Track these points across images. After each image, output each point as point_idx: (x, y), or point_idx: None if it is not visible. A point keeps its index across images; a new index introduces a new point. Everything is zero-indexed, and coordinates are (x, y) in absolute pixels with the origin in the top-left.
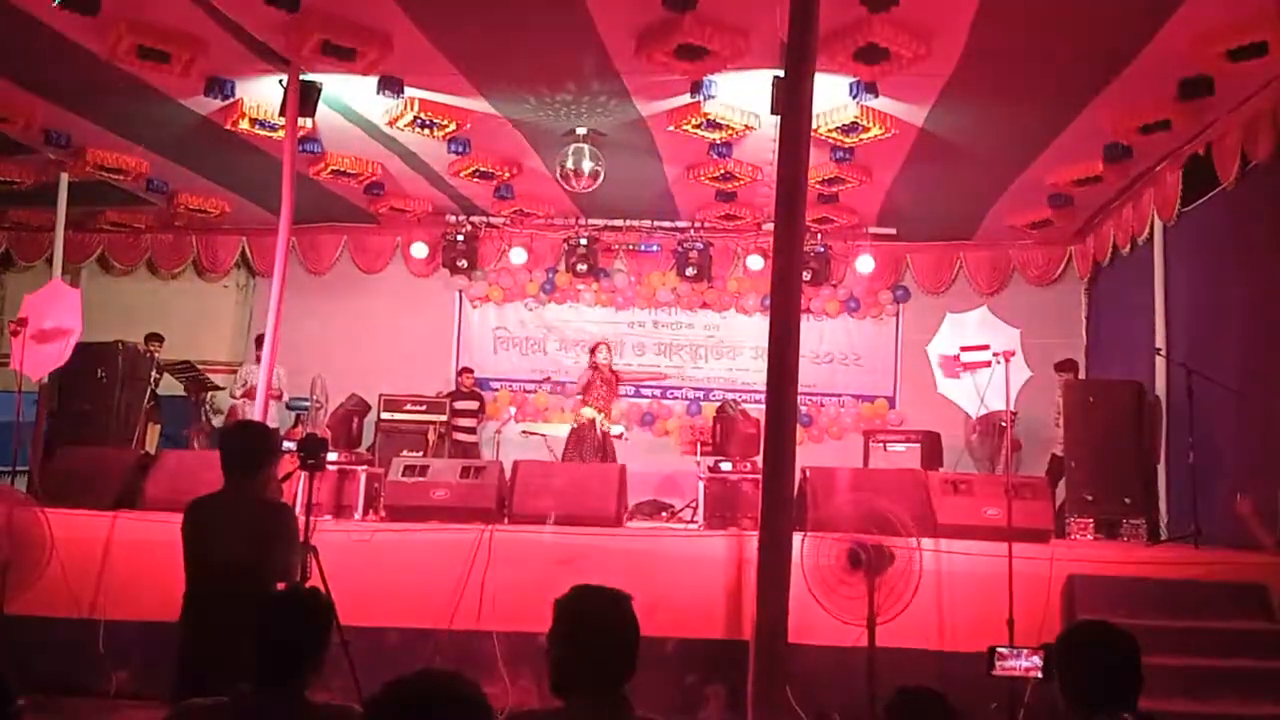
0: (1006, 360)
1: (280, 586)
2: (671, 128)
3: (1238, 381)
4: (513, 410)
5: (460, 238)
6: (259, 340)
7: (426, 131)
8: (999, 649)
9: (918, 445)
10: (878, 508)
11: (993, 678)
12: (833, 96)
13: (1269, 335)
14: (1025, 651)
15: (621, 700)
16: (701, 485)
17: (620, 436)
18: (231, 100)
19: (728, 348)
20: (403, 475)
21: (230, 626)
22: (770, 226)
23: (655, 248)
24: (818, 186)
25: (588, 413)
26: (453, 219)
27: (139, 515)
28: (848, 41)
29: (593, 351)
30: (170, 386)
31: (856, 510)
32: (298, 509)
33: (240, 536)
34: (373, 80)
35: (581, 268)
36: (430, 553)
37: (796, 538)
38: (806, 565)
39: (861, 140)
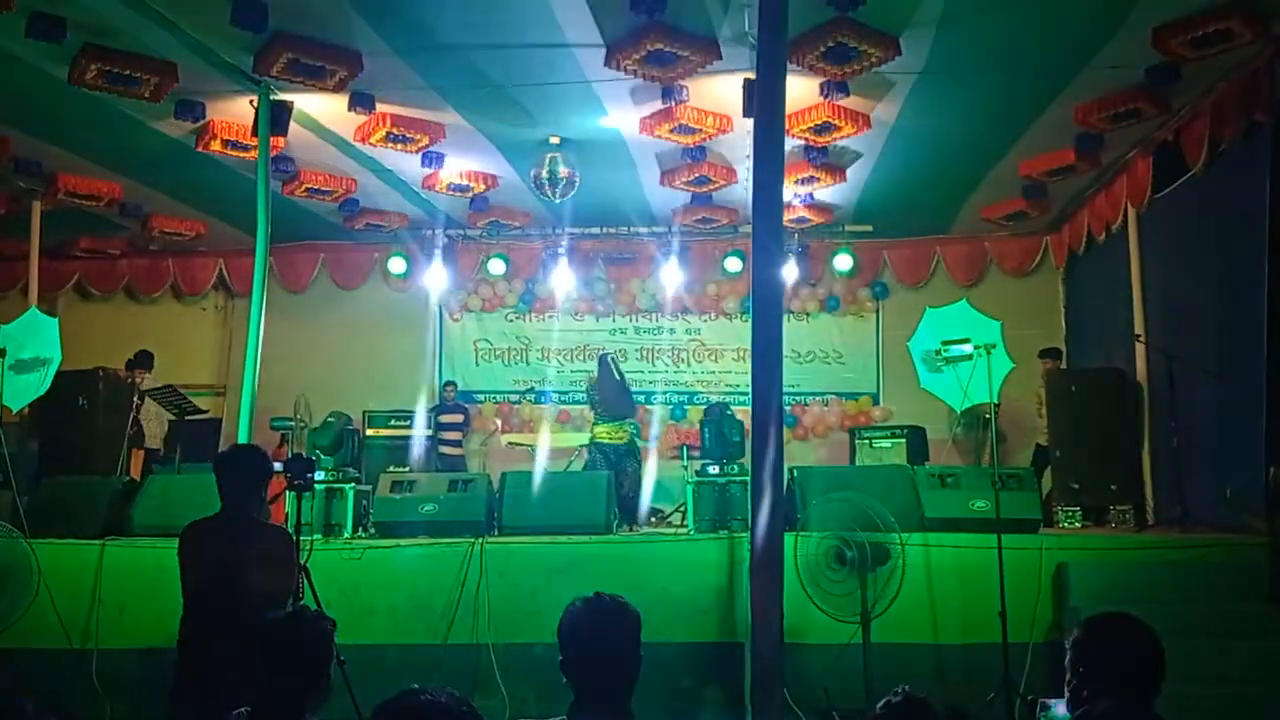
0: (988, 353)
1: (283, 610)
2: (644, 134)
3: (1217, 364)
4: (498, 422)
5: (438, 251)
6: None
7: (399, 146)
8: (1042, 701)
9: (903, 440)
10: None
11: (987, 669)
12: (804, 96)
13: (1245, 317)
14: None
15: (624, 711)
16: (690, 489)
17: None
18: (202, 122)
19: (710, 351)
20: (390, 491)
21: (229, 651)
22: (748, 228)
23: (633, 255)
24: (793, 187)
25: (606, 426)
26: (429, 232)
27: (128, 543)
28: (817, 42)
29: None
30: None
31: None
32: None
33: (239, 560)
34: (344, 97)
35: (560, 277)
36: (422, 568)
37: (788, 538)
38: (799, 565)
39: (834, 139)
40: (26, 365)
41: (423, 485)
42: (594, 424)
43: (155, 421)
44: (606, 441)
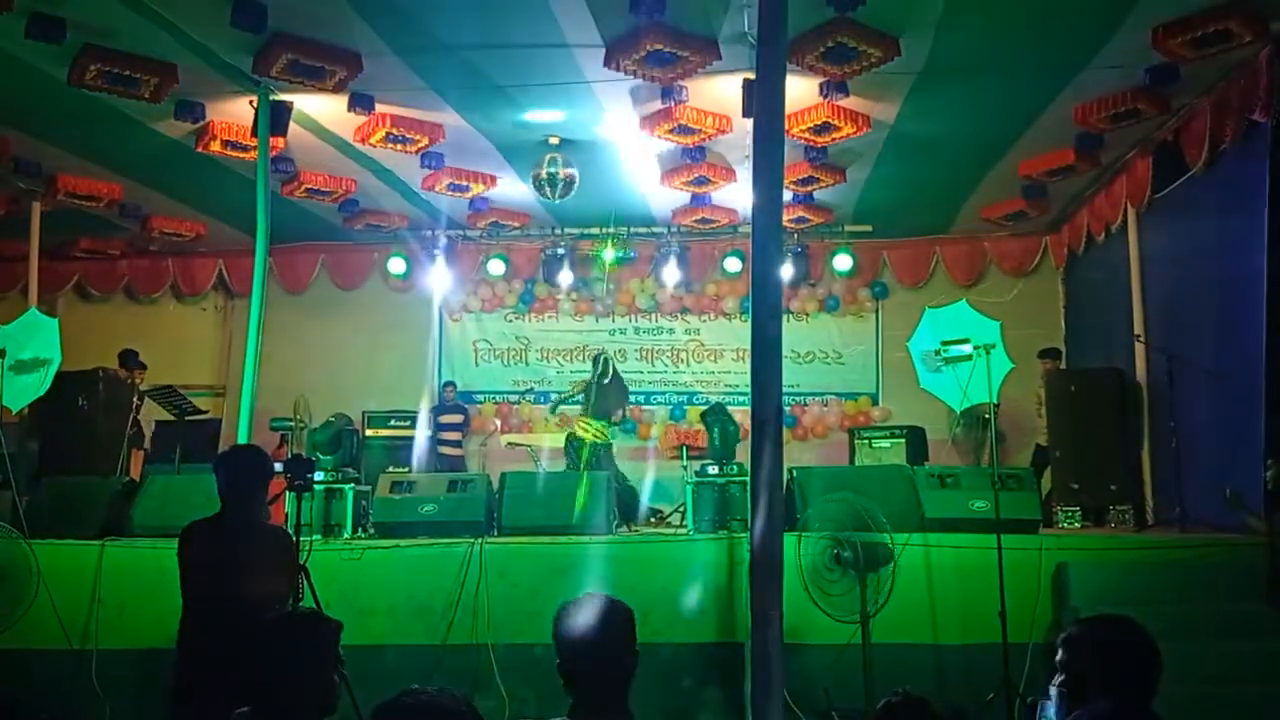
0: (987, 353)
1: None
2: (644, 134)
3: (1217, 364)
4: (497, 423)
5: (438, 251)
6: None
7: (399, 147)
8: (1042, 701)
9: (902, 440)
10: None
11: (987, 669)
12: (804, 96)
13: (1245, 317)
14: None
15: (624, 711)
16: (689, 489)
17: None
18: (202, 122)
19: (709, 351)
20: (390, 491)
21: (229, 651)
22: (747, 228)
23: (633, 255)
24: (792, 187)
25: (595, 425)
26: (429, 233)
27: (127, 543)
28: (817, 42)
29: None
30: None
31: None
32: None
33: (239, 561)
34: (343, 98)
35: (560, 277)
36: (421, 568)
37: (788, 538)
38: (800, 565)
39: (834, 139)
40: (26, 366)
41: (422, 485)
42: (578, 416)
43: (144, 421)
44: (597, 440)
